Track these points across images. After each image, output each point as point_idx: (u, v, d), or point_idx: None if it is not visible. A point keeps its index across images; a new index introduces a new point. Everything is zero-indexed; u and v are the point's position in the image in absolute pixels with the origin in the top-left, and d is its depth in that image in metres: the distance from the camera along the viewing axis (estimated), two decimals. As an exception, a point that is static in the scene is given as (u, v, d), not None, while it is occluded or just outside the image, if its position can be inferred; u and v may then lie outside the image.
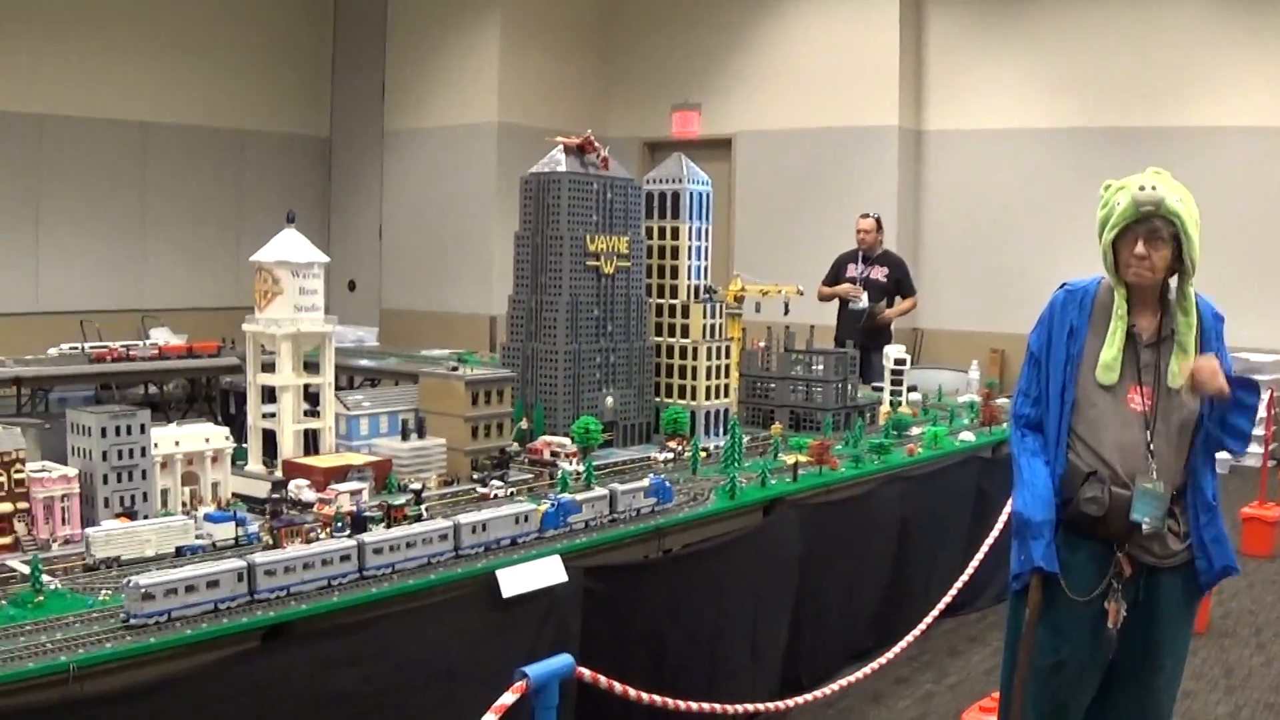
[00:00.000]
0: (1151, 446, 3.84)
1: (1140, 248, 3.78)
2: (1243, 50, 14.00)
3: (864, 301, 11.07)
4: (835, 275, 11.45)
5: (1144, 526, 3.77)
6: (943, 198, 15.72)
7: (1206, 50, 14.14)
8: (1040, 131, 15.01)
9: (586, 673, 3.16)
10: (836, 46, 15.69)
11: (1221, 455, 11.65)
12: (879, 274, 11.28)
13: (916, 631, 5.45)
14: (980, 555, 5.61)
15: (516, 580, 4.29)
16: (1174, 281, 3.93)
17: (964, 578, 5.59)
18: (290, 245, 5.20)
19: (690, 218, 6.71)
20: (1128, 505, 3.78)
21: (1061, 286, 4.08)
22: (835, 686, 5.06)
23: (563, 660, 2.98)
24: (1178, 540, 3.90)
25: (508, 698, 2.92)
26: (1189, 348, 3.87)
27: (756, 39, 16.42)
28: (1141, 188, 3.75)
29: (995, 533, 5.63)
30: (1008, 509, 5.23)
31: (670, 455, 6.14)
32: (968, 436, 7.39)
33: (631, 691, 3.43)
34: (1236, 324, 13.62)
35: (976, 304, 13.97)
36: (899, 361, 7.87)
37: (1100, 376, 3.87)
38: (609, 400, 6.29)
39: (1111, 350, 3.86)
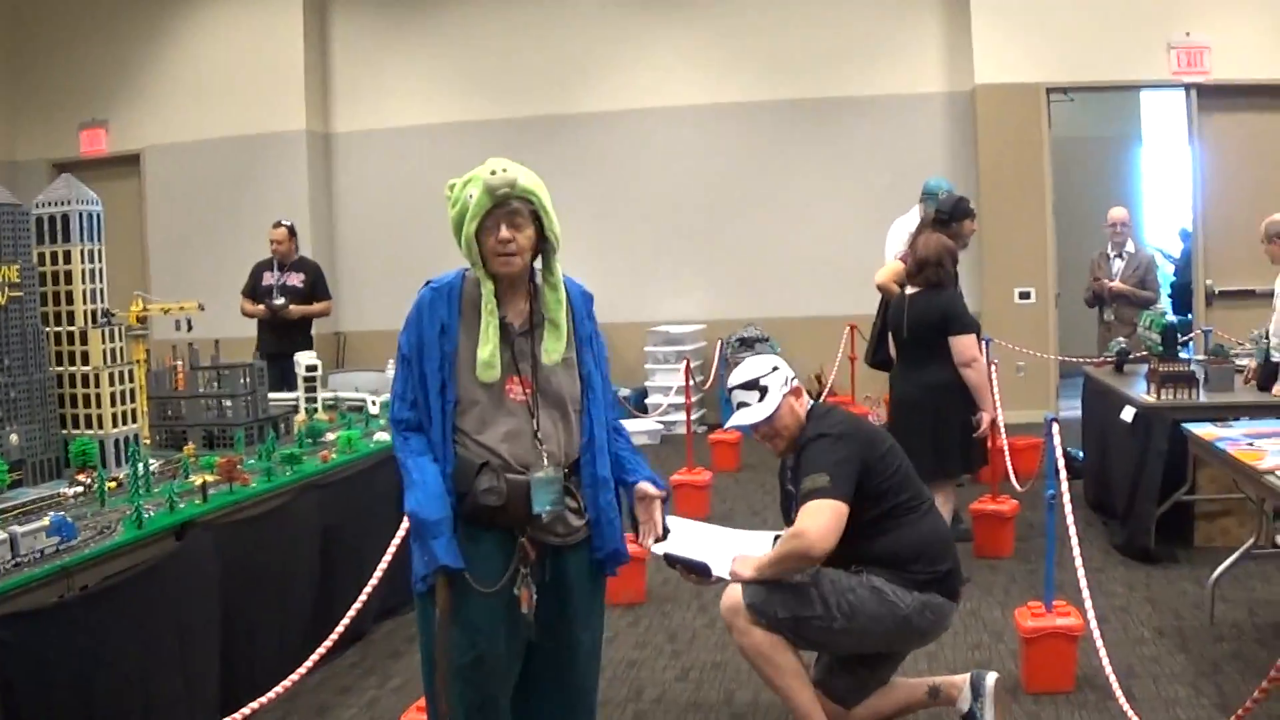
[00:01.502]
0: (538, 434, 3.97)
1: (504, 231, 3.86)
2: (643, 38, 14.92)
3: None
4: (254, 284, 11.42)
5: (545, 515, 3.90)
6: (357, 199, 15.88)
7: (607, 39, 15.12)
8: (451, 126, 15.44)
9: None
10: (242, 54, 15.62)
11: (651, 425, 12.28)
12: (295, 280, 11.33)
13: (336, 634, 5.44)
14: (390, 553, 5.66)
15: (-82, 641, 4.07)
16: (538, 265, 4.05)
17: (376, 576, 5.62)
18: None
19: (82, 239, 6.47)
20: (525, 491, 3.88)
21: (426, 284, 4.08)
22: (272, 699, 5.00)
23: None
24: (578, 516, 4.05)
25: None
26: (561, 324, 4.02)
27: (162, 51, 16.08)
28: (494, 172, 3.81)
29: (401, 532, 5.69)
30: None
31: (80, 489, 5.91)
32: (383, 436, 7.48)
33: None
34: (657, 300, 14.59)
35: (396, 302, 14.07)
36: (310, 368, 7.88)
37: (481, 375, 3.91)
38: (13, 438, 6.00)
39: (488, 347, 3.89)
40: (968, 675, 5.33)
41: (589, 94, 15.15)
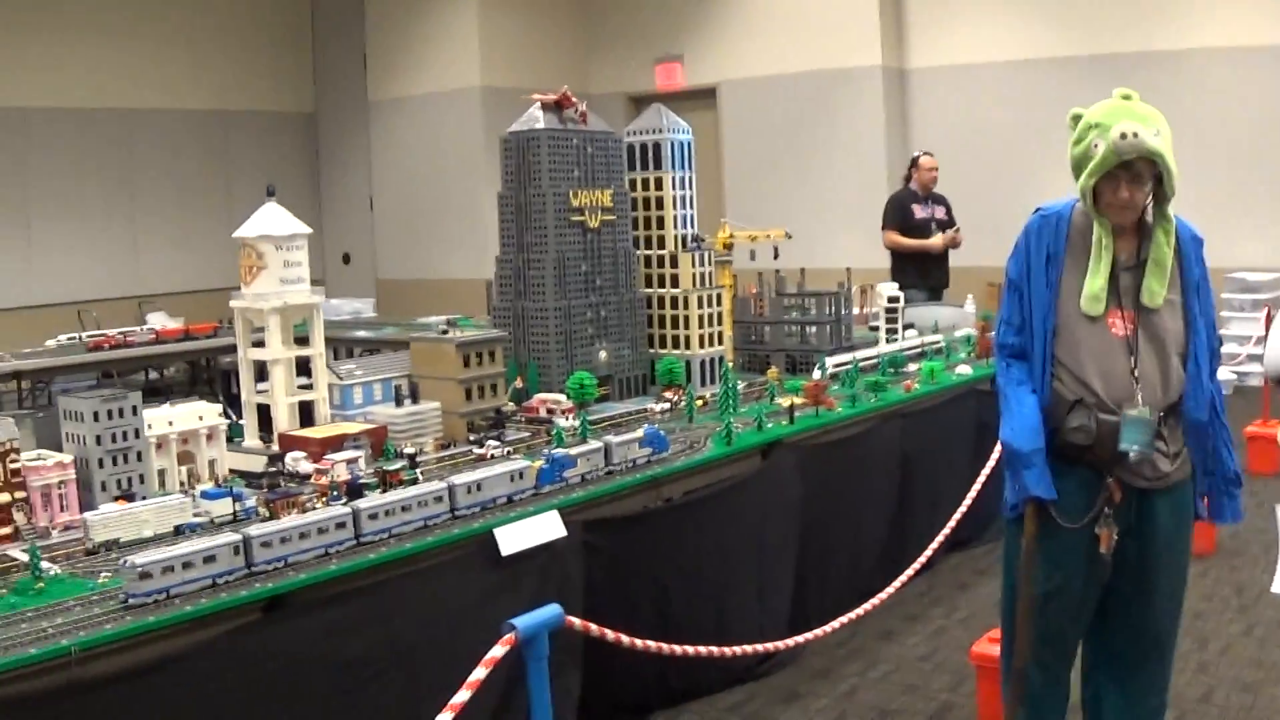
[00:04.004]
0: (1135, 372, 3.80)
1: (1124, 192, 3.72)
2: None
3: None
4: (902, 218, 11.09)
5: (1132, 455, 3.73)
6: (930, 135, 15.60)
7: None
8: (1024, 62, 14.92)
9: (577, 621, 3.15)
10: (817, -13, 15.62)
11: (1224, 375, 11.61)
12: (940, 213, 11.13)
13: (917, 565, 5.43)
14: (976, 488, 5.58)
15: (514, 538, 4.29)
16: (1150, 203, 3.86)
17: (960, 510, 5.56)
18: (271, 219, 5.18)
19: (672, 167, 6.67)
20: (1115, 432, 3.74)
21: (1036, 211, 3.99)
22: (844, 623, 5.06)
23: (551, 611, 2.96)
24: (1169, 461, 3.85)
25: (497, 650, 2.92)
26: (1166, 268, 3.82)
27: (739, -16, 16.32)
28: (1123, 135, 3.64)
29: (989, 465, 5.60)
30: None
31: (666, 405, 6.12)
32: (965, 370, 7.36)
33: (625, 639, 3.41)
34: (1233, 245, 13.70)
35: (971, 238, 13.95)
36: (892, 299, 7.83)
37: (1086, 307, 3.80)
38: (602, 354, 6.28)
39: (1098, 281, 3.78)
40: None
41: (1162, 30, 14.24)
